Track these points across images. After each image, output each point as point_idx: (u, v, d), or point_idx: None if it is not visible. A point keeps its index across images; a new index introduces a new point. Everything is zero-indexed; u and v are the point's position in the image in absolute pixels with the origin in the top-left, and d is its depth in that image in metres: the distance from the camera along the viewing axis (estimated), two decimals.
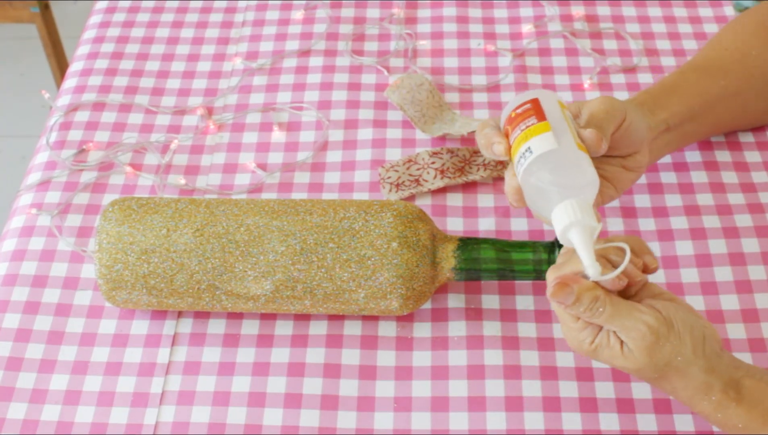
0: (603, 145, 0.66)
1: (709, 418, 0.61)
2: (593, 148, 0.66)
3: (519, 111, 0.67)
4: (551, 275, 0.62)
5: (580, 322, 0.61)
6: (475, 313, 0.74)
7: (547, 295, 0.61)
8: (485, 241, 0.71)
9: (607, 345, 0.60)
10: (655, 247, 0.78)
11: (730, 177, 0.83)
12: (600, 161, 0.71)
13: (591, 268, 0.59)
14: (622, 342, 0.60)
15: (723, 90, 0.80)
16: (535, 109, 0.67)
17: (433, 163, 0.85)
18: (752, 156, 0.85)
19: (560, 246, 0.69)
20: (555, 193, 0.62)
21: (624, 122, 0.69)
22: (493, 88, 0.94)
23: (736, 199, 0.81)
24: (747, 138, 0.87)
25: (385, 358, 0.72)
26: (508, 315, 0.74)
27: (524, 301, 0.75)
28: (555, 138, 0.64)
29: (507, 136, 0.68)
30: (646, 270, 0.63)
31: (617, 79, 0.93)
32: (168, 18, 1.04)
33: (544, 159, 0.63)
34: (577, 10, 1.01)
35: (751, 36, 0.83)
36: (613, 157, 0.72)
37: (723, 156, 0.85)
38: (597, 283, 0.60)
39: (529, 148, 0.64)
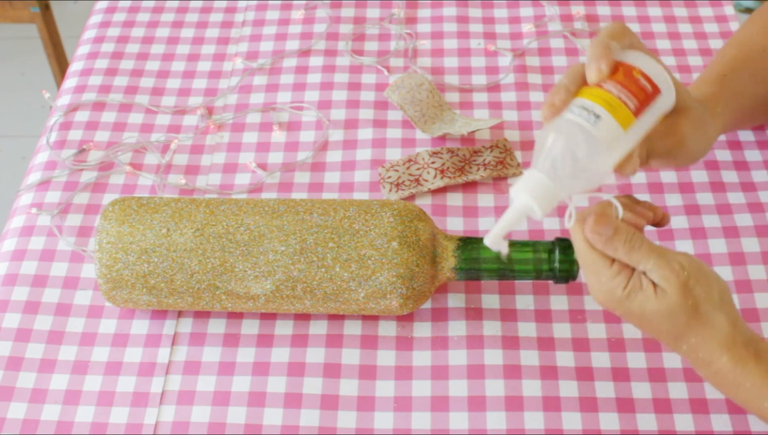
0: (630, 176, 0.66)
1: (726, 376, 0.60)
2: (619, 172, 0.62)
3: (641, 82, 0.60)
4: (578, 223, 0.61)
5: (614, 266, 0.60)
6: (475, 313, 0.74)
7: (585, 231, 0.60)
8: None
9: (639, 288, 0.60)
10: None
11: (730, 176, 0.83)
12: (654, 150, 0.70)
13: (490, 238, 0.59)
14: (654, 285, 0.60)
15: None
16: (646, 98, 0.60)
17: (433, 162, 0.85)
18: (752, 155, 0.85)
19: (560, 246, 0.69)
20: (554, 164, 0.58)
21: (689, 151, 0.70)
22: (493, 87, 0.94)
23: (736, 198, 0.81)
24: (747, 137, 0.87)
25: (385, 357, 0.72)
26: (508, 315, 0.74)
27: (524, 301, 0.75)
28: (617, 140, 0.59)
29: (615, 70, 0.61)
30: (657, 223, 0.64)
31: None
32: (168, 18, 1.04)
33: (587, 139, 0.58)
34: (577, 10, 1.01)
35: None
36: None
37: (723, 155, 0.85)
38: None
39: (599, 116, 0.58)
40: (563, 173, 0.58)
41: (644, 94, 0.60)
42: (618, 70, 0.61)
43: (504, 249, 0.60)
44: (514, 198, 0.59)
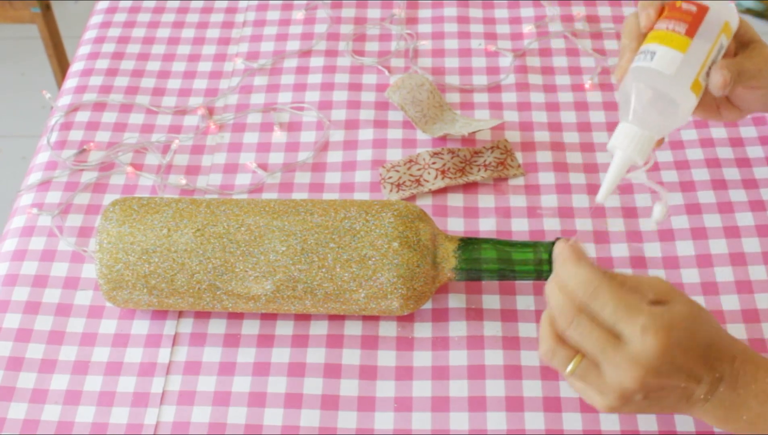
0: (724, 92, 0.65)
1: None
2: (713, 88, 0.64)
3: (684, 7, 0.64)
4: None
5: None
6: (475, 314, 0.74)
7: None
8: (486, 241, 0.71)
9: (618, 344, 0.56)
10: (656, 247, 0.78)
11: (732, 173, 0.83)
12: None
13: (601, 194, 0.62)
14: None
15: None
16: (694, 19, 0.64)
17: (433, 163, 0.85)
18: (754, 151, 0.85)
19: None
20: (635, 110, 0.62)
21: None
22: (494, 88, 0.94)
23: (738, 196, 0.81)
24: (749, 133, 0.87)
25: (386, 358, 0.72)
26: (509, 315, 0.74)
27: (525, 302, 0.75)
28: (679, 64, 0.62)
29: (661, 10, 0.66)
30: None
31: None
32: (169, 18, 1.04)
33: (652, 76, 0.62)
34: (578, 11, 1.01)
35: None
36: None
37: (725, 153, 0.85)
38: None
39: (654, 52, 0.63)
40: (647, 116, 0.62)
41: (691, 16, 0.64)
42: (664, 9, 0.66)
43: (607, 202, 0.64)
44: (614, 154, 0.63)
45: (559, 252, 0.59)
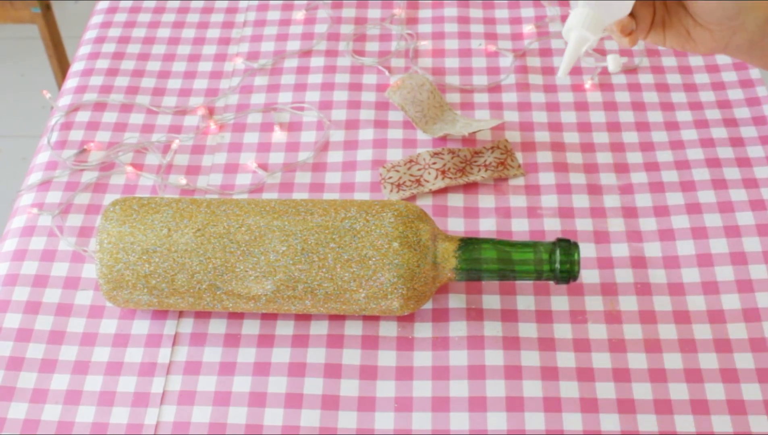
0: None
1: None
2: None
3: None
4: None
5: None
6: (476, 314, 0.74)
7: None
8: (486, 241, 0.71)
9: None
10: (656, 247, 0.78)
11: (732, 173, 0.83)
12: (671, 7, 0.74)
13: (562, 71, 0.69)
14: None
15: None
16: None
17: (434, 163, 0.85)
18: (754, 151, 0.85)
19: (561, 247, 0.69)
20: None
21: None
22: (494, 88, 0.94)
23: (738, 195, 0.81)
24: (749, 133, 0.87)
25: (386, 358, 0.72)
26: (509, 315, 0.74)
27: (525, 302, 0.75)
28: None
29: None
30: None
31: (618, 79, 0.94)
32: (169, 18, 1.04)
33: None
34: None
35: None
36: (685, 13, 0.73)
37: (725, 152, 0.85)
38: None
39: None
40: None
41: None
42: None
43: (568, 80, 0.71)
44: (569, 35, 0.71)
45: None
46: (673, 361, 0.71)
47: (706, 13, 0.72)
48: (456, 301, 0.75)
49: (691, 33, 0.74)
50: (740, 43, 0.74)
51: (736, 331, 0.72)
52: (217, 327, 0.75)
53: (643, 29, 0.74)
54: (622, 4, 0.70)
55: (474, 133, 0.87)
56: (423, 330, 0.74)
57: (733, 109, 0.90)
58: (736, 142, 0.86)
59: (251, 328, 0.75)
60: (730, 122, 0.88)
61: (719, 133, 0.87)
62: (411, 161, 0.86)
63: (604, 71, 0.94)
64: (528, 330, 0.73)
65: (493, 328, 0.73)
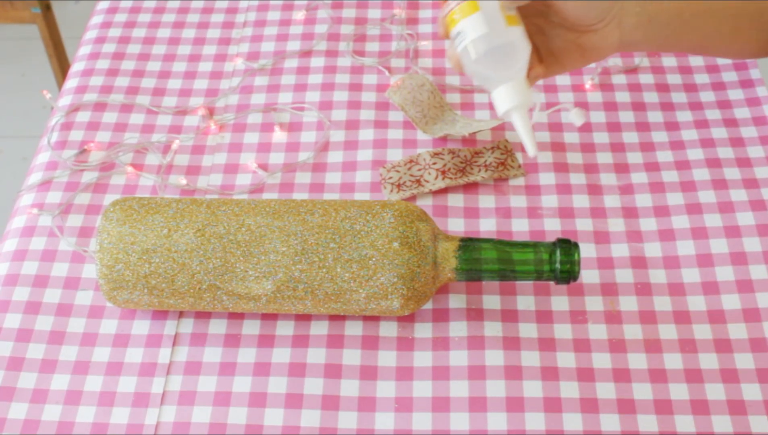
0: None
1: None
2: (509, 4, 0.68)
3: None
4: None
5: None
6: (476, 314, 0.74)
7: None
8: (486, 241, 0.71)
9: None
10: (657, 248, 0.78)
11: (732, 173, 0.83)
12: (551, 34, 0.74)
13: (530, 148, 0.69)
14: None
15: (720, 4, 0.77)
16: None
17: (434, 163, 0.85)
18: (755, 151, 0.85)
19: (561, 247, 0.69)
20: (492, 78, 0.69)
21: None
22: None
23: (738, 195, 0.81)
24: (750, 133, 0.87)
25: (386, 358, 0.72)
26: (509, 315, 0.74)
27: (525, 302, 0.75)
28: (485, 20, 0.68)
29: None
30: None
31: (618, 79, 0.93)
32: (169, 18, 1.04)
33: (476, 45, 0.68)
34: None
35: None
36: (566, 30, 0.72)
37: (725, 152, 0.85)
38: None
39: (460, 31, 0.69)
40: (503, 72, 0.69)
41: None
42: None
43: (534, 149, 0.70)
44: (510, 116, 0.70)
45: None
46: (673, 361, 0.71)
47: (583, 15, 0.72)
48: (456, 301, 0.75)
49: (581, 45, 0.74)
50: (633, 26, 0.74)
51: (737, 331, 0.72)
52: (217, 327, 0.75)
53: (534, 65, 0.75)
54: (524, 52, 0.69)
55: (474, 133, 0.87)
56: (423, 330, 0.74)
57: (733, 110, 0.90)
58: (737, 142, 0.86)
59: (251, 328, 0.75)
60: (731, 122, 0.88)
61: (719, 133, 0.87)
62: (411, 161, 0.86)
63: (605, 71, 0.94)
64: (528, 330, 0.73)
65: (493, 329, 0.73)
